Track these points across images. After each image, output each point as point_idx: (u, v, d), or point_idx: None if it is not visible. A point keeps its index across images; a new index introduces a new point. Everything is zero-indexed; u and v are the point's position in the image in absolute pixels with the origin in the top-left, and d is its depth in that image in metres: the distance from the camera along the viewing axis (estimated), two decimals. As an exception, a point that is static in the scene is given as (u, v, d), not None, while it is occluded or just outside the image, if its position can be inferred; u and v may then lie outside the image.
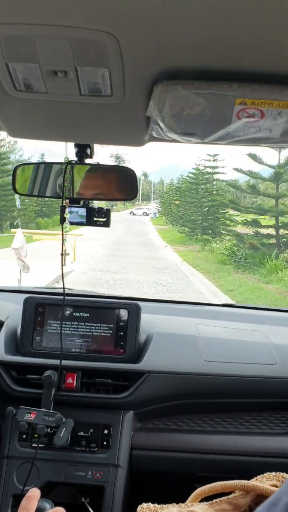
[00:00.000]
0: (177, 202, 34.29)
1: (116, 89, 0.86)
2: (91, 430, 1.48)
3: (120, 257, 15.46)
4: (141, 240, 25.16)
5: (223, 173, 27.47)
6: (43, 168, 1.35)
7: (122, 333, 1.58)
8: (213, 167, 26.92)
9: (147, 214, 57.97)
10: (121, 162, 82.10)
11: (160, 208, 52.35)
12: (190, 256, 17.73)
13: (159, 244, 24.03)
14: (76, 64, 0.79)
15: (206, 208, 25.99)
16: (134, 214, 57.48)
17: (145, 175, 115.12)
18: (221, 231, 23.69)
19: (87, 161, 1.27)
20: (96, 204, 1.44)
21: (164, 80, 0.82)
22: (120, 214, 57.44)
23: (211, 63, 0.78)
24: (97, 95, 0.88)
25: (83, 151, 1.24)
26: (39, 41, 0.72)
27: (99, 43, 0.72)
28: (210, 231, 25.20)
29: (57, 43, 0.73)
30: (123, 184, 1.33)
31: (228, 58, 0.76)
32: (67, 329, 1.59)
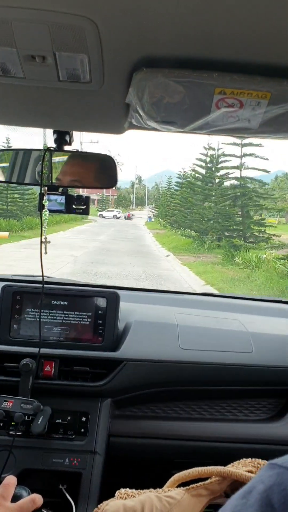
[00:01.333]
0: (171, 207, 31.26)
1: (95, 76, 0.85)
2: (69, 418, 1.49)
3: (98, 276, 11.10)
4: (134, 247, 19.84)
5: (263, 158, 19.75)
6: (22, 154, 1.34)
7: (100, 322, 1.59)
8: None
9: (118, 217, 53.18)
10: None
11: (155, 212, 48.23)
12: (214, 275, 12.68)
13: (159, 253, 18.77)
14: (55, 49, 0.77)
15: (228, 202, 20.79)
16: (103, 217, 52.19)
17: (139, 179, 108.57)
18: (255, 234, 19.09)
19: (66, 148, 1.25)
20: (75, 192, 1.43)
21: (144, 68, 0.82)
22: (113, 219, 52.26)
23: (191, 52, 0.78)
24: (76, 81, 0.87)
25: (62, 138, 1.23)
26: (16, 24, 0.71)
27: (78, 28, 0.71)
28: (236, 234, 19.86)
29: (35, 27, 0.72)
30: (102, 172, 1.32)
31: (208, 47, 0.76)
32: (45, 317, 1.59)
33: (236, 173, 21.32)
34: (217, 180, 23.32)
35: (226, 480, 0.96)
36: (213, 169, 23.49)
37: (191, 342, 1.62)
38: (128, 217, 52.19)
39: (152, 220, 47.40)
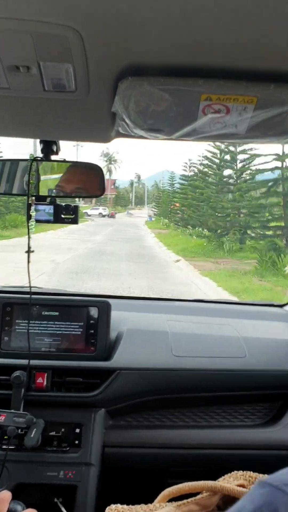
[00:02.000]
0: (177, 204, 29.70)
1: (80, 85, 0.84)
2: (63, 430, 1.47)
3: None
4: (134, 249, 16.81)
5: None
6: (8, 165, 1.32)
7: (92, 331, 1.57)
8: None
9: (103, 216, 50.07)
10: (112, 162, 78.62)
11: (156, 211, 45.79)
12: (263, 296, 8.93)
13: (165, 257, 15.27)
14: (39, 59, 0.77)
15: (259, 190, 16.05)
16: (89, 215, 48.51)
17: (138, 177, 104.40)
18: None
19: (53, 157, 1.25)
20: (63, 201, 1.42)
21: (129, 76, 0.82)
22: (111, 218, 48.99)
23: (176, 59, 0.78)
24: (61, 91, 0.87)
25: (48, 147, 1.22)
26: None
27: (62, 37, 0.70)
28: (273, 233, 14.76)
29: (18, 37, 0.71)
30: (90, 181, 1.31)
31: (193, 54, 0.76)
32: (36, 328, 1.57)
33: (267, 150, 16.43)
34: (240, 165, 18.96)
35: (217, 494, 0.95)
36: (235, 150, 18.92)
37: (184, 349, 1.62)
38: (112, 216, 50.07)
39: (153, 219, 44.85)
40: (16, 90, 0.87)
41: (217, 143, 18.29)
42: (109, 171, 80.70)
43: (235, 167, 19.65)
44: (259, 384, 1.61)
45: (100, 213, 51.40)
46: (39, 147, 1.23)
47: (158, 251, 17.65)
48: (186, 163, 30.96)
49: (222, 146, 20.22)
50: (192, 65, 0.79)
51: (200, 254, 15.99)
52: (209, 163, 22.23)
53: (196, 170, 27.15)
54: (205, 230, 20.91)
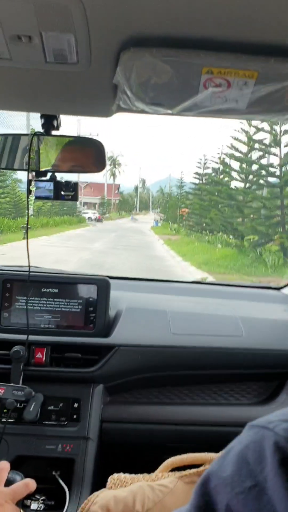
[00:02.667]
0: (185, 210, 27.63)
1: (82, 56, 0.84)
2: (61, 404, 1.49)
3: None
4: (141, 261, 13.66)
5: None
6: (9, 139, 1.32)
7: (91, 309, 1.59)
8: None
9: (93, 219, 44.33)
10: (116, 166, 75.64)
11: (163, 216, 43.09)
12: None
13: (183, 272, 12.22)
14: (41, 28, 0.77)
15: None
16: (92, 219, 44.30)
17: (143, 182, 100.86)
18: None
19: (54, 132, 1.25)
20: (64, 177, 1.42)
21: (131, 47, 0.82)
22: (114, 223, 45.66)
23: (178, 31, 0.78)
24: (63, 63, 0.87)
25: (49, 122, 1.22)
26: (1, 3, 0.70)
27: (64, 7, 0.70)
28: None
29: (20, 6, 0.71)
30: (91, 156, 1.31)
31: (194, 25, 0.76)
32: (36, 305, 1.59)
33: None
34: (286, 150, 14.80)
35: None
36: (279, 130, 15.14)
37: (182, 328, 1.63)
38: (99, 219, 46.32)
39: (159, 224, 41.28)
40: (18, 61, 0.87)
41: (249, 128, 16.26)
42: (113, 175, 77.34)
43: (280, 153, 15.19)
44: (255, 363, 1.63)
45: (89, 217, 47.25)
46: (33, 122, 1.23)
47: (172, 264, 14.07)
48: (200, 159, 27.27)
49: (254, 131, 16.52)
50: (193, 37, 0.79)
51: (232, 270, 12.14)
52: (236, 153, 17.73)
53: (212, 168, 24.23)
54: (230, 237, 16.87)
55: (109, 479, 0.99)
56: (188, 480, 0.96)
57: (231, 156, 18.28)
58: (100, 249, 16.86)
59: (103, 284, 1.60)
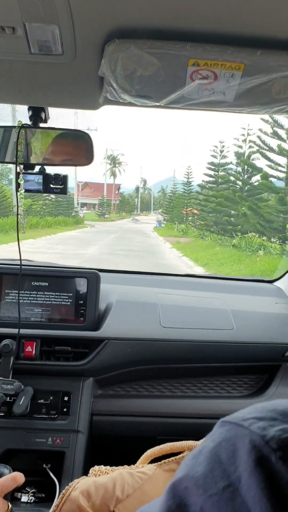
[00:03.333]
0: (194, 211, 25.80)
1: (67, 48, 0.84)
2: (51, 398, 1.49)
3: None
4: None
5: None
6: None
7: (81, 302, 1.58)
8: None
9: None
10: (116, 165, 72.62)
11: (166, 216, 39.44)
12: None
13: None
14: (24, 19, 0.76)
15: None
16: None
17: (144, 182, 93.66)
18: None
19: (42, 125, 1.23)
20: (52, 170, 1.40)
21: (117, 39, 0.81)
22: (114, 224, 41.68)
23: (163, 22, 0.77)
24: (47, 54, 0.86)
25: (37, 114, 1.21)
26: None
27: None
28: None
29: None
30: (79, 149, 1.30)
31: (180, 17, 0.75)
32: (26, 298, 1.58)
33: None
34: None
35: None
36: None
37: (172, 321, 1.63)
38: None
39: (163, 225, 37.98)
40: (2, 52, 0.86)
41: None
42: (113, 174, 73.46)
43: None
44: (246, 356, 1.63)
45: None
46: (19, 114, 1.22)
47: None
48: (215, 146, 22.87)
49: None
50: (179, 29, 0.78)
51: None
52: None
53: (236, 153, 19.84)
54: (271, 240, 13.77)
55: (90, 470, 1.00)
56: (167, 468, 0.96)
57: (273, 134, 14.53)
58: (94, 255, 14.09)
59: (93, 277, 1.60)
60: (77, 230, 28.66)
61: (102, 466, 0.98)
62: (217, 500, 0.37)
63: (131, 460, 1.14)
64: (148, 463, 1.00)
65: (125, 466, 0.98)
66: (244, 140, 19.28)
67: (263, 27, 0.77)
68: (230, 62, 0.82)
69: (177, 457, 0.97)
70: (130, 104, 0.99)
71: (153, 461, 1.01)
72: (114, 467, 0.98)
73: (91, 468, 0.98)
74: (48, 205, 31.41)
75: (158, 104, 0.97)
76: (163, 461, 0.97)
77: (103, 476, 0.93)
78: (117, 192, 69.51)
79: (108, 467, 0.98)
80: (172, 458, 0.97)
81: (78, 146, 1.30)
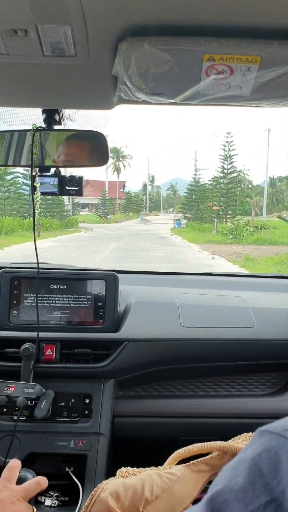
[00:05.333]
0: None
1: (80, 48, 0.83)
2: (72, 400, 1.49)
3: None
4: None
5: None
6: (11, 136, 1.31)
7: (100, 304, 1.58)
8: None
9: None
10: (120, 159, 66.32)
11: (188, 214, 34.94)
12: None
13: None
14: (36, 21, 0.75)
15: None
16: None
17: (152, 179, 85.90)
18: None
19: (56, 127, 1.23)
20: (68, 172, 1.40)
21: (129, 37, 0.80)
22: (119, 226, 34.67)
23: (176, 18, 0.76)
24: (60, 55, 0.85)
25: (51, 117, 1.21)
26: None
27: None
28: None
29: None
30: (94, 150, 1.29)
31: (193, 12, 0.74)
32: (45, 301, 1.58)
33: None
34: None
35: (227, 455, 0.96)
36: None
37: (192, 320, 1.62)
38: None
39: (183, 225, 31.75)
40: (15, 55, 0.86)
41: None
42: (117, 169, 65.87)
43: None
44: (267, 353, 1.61)
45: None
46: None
47: None
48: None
49: None
50: (193, 24, 0.77)
51: None
52: None
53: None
54: None
55: (118, 472, 0.99)
56: (196, 469, 0.95)
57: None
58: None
59: (111, 279, 1.59)
60: (61, 236, 21.21)
61: (129, 467, 0.97)
62: None
63: (154, 461, 1.12)
64: (176, 464, 0.99)
65: (153, 467, 0.96)
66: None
67: (279, 18, 0.75)
68: (246, 55, 0.80)
69: (205, 457, 0.96)
70: (145, 102, 0.98)
71: (181, 462, 1.00)
72: (141, 468, 0.97)
73: (119, 470, 0.97)
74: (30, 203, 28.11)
75: (173, 101, 0.96)
76: (191, 462, 0.96)
77: (131, 478, 0.92)
78: (122, 190, 62.36)
79: (135, 468, 0.97)
80: (200, 459, 0.96)
81: (92, 146, 1.29)
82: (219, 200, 29.35)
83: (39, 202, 1.33)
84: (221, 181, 29.04)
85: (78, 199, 45.25)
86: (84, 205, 50.40)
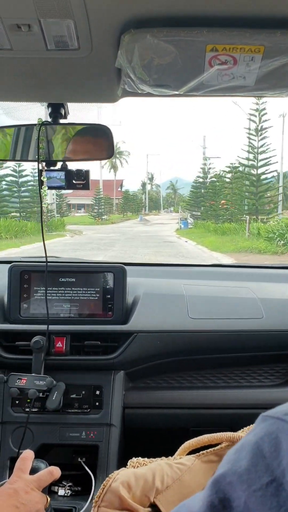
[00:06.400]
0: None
1: (83, 42, 0.83)
2: (83, 392, 1.50)
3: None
4: None
5: None
6: (20, 131, 1.32)
7: (109, 296, 1.59)
8: None
9: None
10: (117, 155, 59.41)
11: (196, 212, 30.68)
12: None
13: None
14: (39, 15, 0.76)
15: None
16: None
17: (151, 178, 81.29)
18: None
19: (62, 121, 1.24)
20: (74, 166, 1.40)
21: (132, 29, 0.80)
22: (115, 228, 30.87)
23: (179, 9, 0.76)
24: (64, 49, 0.86)
25: (56, 111, 1.21)
26: None
27: None
28: None
29: None
30: (100, 143, 1.30)
31: (195, 2, 0.74)
32: (54, 295, 1.59)
33: None
34: None
35: None
36: None
37: (200, 311, 1.62)
38: None
39: (190, 225, 27.55)
40: (19, 50, 0.86)
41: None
42: (114, 167, 61.72)
43: None
44: (276, 344, 1.61)
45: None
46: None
47: None
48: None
49: None
50: (195, 14, 0.77)
51: None
52: None
53: None
54: None
55: (128, 462, 1.00)
56: (206, 459, 0.96)
57: None
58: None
59: (119, 271, 1.60)
60: (31, 245, 16.81)
61: (140, 458, 0.98)
62: (261, 495, 0.37)
63: (165, 452, 1.14)
64: (186, 455, 1.00)
65: (163, 457, 0.98)
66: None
67: (282, 6, 0.75)
68: (249, 45, 0.80)
69: (215, 448, 0.97)
70: (149, 94, 0.99)
71: (191, 453, 1.01)
72: (152, 459, 0.98)
73: (130, 460, 0.99)
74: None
75: (177, 92, 0.96)
76: (201, 452, 0.97)
77: (142, 468, 0.93)
78: (119, 189, 57.86)
79: (146, 459, 0.98)
80: (210, 449, 0.97)
81: (98, 140, 1.30)
82: (247, 189, 23.47)
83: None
84: (250, 163, 22.45)
85: (72, 200, 42.01)
86: (80, 206, 45.94)
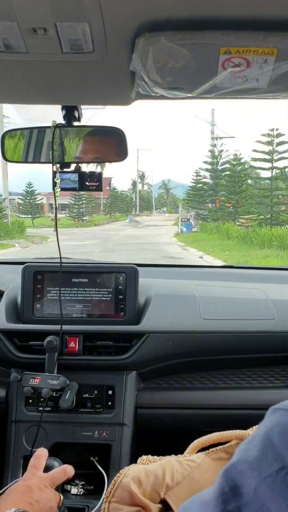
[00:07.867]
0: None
1: (98, 45, 0.84)
2: (96, 392, 1.52)
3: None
4: None
5: None
6: (32, 133, 1.34)
7: (121, 297, 1.60)
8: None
9: None
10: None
11: (203, 211, 26.50)
12: None
13: None
14: (55, 19, 0.77)
15: None
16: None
17: (142, 177, 76.09)
18: None
19: (75, 123, 1.25)
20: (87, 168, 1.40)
21: (146, 32, 0.81)
22: (99, 231, 27.05)
23: (192, 12, 0.77)
24: (79, 52, 0.87)
25: (70, 113, 1.22)
26: None
27: None
28: None
29: None
30: (113, 145, 1.31)
31: (209, 5, 0.75)
32: (67, 295, 1.61)
33: None
34: None
35: None
36: None
37: (212, 312, 1.63)
38: None
39: (194, 229, 23.26)
40: (35, 54, 0.88)
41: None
42: (101, 164, 42.81)
43: None
44: None
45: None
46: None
47: None
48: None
49: None
50: (209, 17, 0.77)
51: None
52: None
53: None
54: None
55: (139, 460, 1.01)
56: (216, 456, 0.97)
57: None
58: None
59: (131, 272, 1.61)
60: (9, 249, 14.76)
61: (149, 455, 0.99)
62: (271, 482, 0.39)
63: (177, 452, 1.15)
64: (196, 453, 1.01)
65: (173, 455, 0.98)
66: None
67: None
68: (262, 48, 0.80)
69: (225, 445, 0.97)
70: (162, 97, 0.99)
71: (201, 450, 1.01)
72: (162, 456, 0.99)
73: (140, 458, 0.99)
74: None
75: (190, 95, 0.97)
76: (211, 449, 0.97)
77: (152, 464, 0.94)
78: (107, 188, 50.20)
79: (156, 456, 0.99)
80: (220, 447, 0.97)
81: (111, 142, 1.31)
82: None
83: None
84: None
85: (50, 200, 37.64)
86: (64, 206, 39.80)
